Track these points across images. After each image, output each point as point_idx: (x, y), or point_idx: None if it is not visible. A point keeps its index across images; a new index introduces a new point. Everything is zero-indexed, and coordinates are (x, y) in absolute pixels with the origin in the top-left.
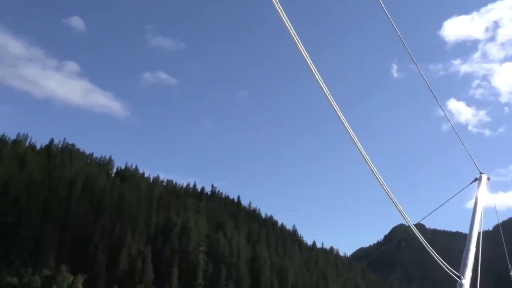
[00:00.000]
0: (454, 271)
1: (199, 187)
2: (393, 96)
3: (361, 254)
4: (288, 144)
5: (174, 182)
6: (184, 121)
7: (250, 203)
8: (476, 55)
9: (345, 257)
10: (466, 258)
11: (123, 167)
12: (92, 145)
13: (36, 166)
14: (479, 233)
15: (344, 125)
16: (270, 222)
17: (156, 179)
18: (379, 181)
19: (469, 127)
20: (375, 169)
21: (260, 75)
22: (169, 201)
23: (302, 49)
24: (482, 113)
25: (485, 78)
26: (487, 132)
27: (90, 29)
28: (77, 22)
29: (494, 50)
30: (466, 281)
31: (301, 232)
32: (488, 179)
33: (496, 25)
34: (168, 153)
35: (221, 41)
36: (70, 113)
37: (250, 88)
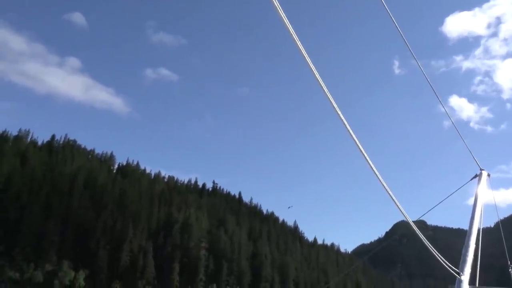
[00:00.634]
0: (453, 268)
1: (200, 183)
2: (395, 93)
3: (362, 251)
4: (289, 141)
5: (175, 178)
6: (186, 118)
7: (251, 199)
8: (478, 51)
9: (346, 253)
10: (466, 255)
11: (124, 163)
12: (93, 141)
13: (38, 162)
14: (479, 230)
15: (343, 121)
16: (271, 218)
17: (158, 175)
18: (377, 177)
19: (471, 124)
20: (373, 166)
21: (261, 72)
22: (171, 197)
23: (300, 47)
24: (484, 109)
25: (487, 74)
26: (489, 128)
27: (91, 25)
28: (78, 18)
29: (496, 46)
30: (465, 277)
31: (302, 228)
32: (489, 175)
33: (498, 21)
34: (169, 149)
35: (222, 38)
36: (71, 109)
37: (251, 85)
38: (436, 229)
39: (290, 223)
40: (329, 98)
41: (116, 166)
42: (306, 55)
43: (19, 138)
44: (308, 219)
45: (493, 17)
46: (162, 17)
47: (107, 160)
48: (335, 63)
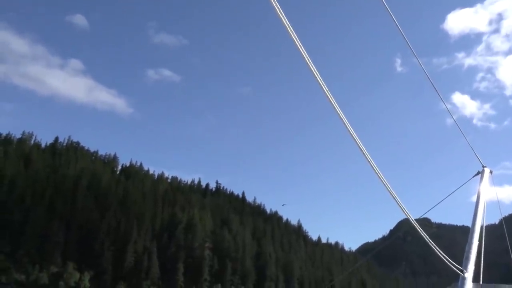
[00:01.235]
0: (457, 265)
1: (203, 184)
2: (397, 90)
3: (367, 249)
4: (291, 139)
5: (178, 179)
6: (188, 118)
7: (254, 199)
8: (480, 48)
9: (350, 252)
10: (469, 252)
11: (128, 164)
12: (96, 142)
13: (42, 164)
14: (482, 227)
15: (343, 120)
16: (275, 218)
17: (161, 176)
18: (379, 176)
19: (474, 121)
20: (374, 164)
21: (263, 71)
22: (174, 198)
23: (299, 45)
24: (486, 106)
25: (489, 71)
26: (492, 125)
27: (93, 26)
28: (80, 20)
29: (498, 43)
30: (469, 274)
31: (306, 227)
32: (491, 172)
33: (500, 17)
34: (172, 149)
35: (223, 37)
36: (74, 111)
37: (253, 84)
38: (440, 226)
39: (294, 222)
40: (328, 97)
41: (119, 167)
42: (305, 54)
43: (22, 140)
44: (312, 218)
45: (494, 13)
46: (163, 18)
47: (111, 161)
48: (337, 61)
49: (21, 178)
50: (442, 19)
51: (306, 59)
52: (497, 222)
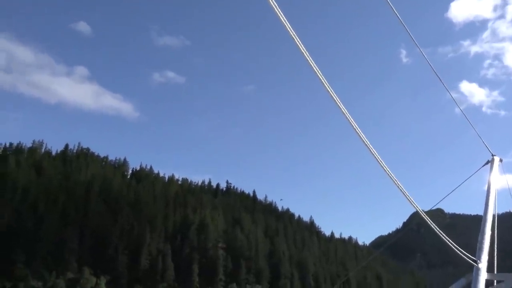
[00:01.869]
0: (470, 256)
1: (214, 184)
2: (404, 82)
3: (380, 242)
4: (301, 136)
5: (189, 180)
6: (194, 118)
7: (265, 197)
8: (486, 35)
9: (364, 246)
10: (482, 242)
11: (138, 168)
12: (106, 147)
13: (53, 172)
14: (494, 216)
15: (346, 116)
16: (286, 215)
17: (171, 178)
18: (385, 170)
19: (483, 109)
20: (381, 159)
21: (267, 69)
22: (185, 199)
23: (299, 42)
24: (495, 93)
25: (496, 57)
26: (502, 112)
27: (96, 33)
28: (83, 27)
29: (504, 28)
30: (483, 265)
31: (318, 223)
32: (501, 160)
33: (504, 2)
34: (181, 151)
35: (226, 37)
36: (82, 117)
37: (257, 82)
38: (454, 216)
39: (306, 218)
40: (330, 92)
41: (130, 171)
42: (304, 51)
43: (33, 149)
44: (324, 214)
45: None
46: (165, 20)
47: (121, 166)
48: (341, 56)
49: (34, 186)
50: (446, 7)
51: (306, 56)
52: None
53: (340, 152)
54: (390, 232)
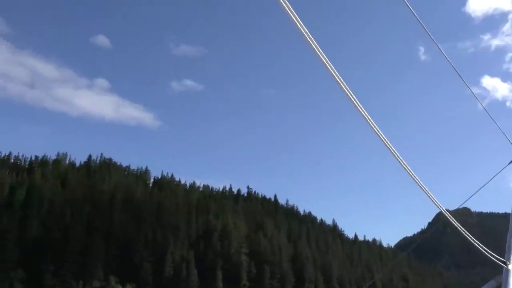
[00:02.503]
0: (498, 257)
1: (235, 189)
2: (423, 79)
3: (406, 244)
4: (320, 138)
5: (210, 187)
6: (214, 125)
7: (287, 201)
8: (507, 27)
9: (389, 248)
10: (510, 242)
11: (159, 176)
12: (127, 157)
13: (78, 182)
14: None
15: (362, 114)
16: (309, 218)
17: (193, 185)
18: (407, 171)
19: (507, 103)
20: (401, 157)
21: (283, 71)
22: (207, 206)
23: (312, 41)
24: None
25: None
26: None
27: (115, 46)
28: (103, 40)
29: None
30: None
31: (341, 226)
32: None
33: None
34: (201, 158)
35: (241, 42)
36: (104, 128)
37: (275, 85)
38: (481, 215)
39: (328, 221)
40: (345, 91)
41: (152, 179)
42: (319, 50)
43: (58, 161)
44: (347, 216)
45: None
46: (181, 30)
47: (143, 174)
48: (359, 55)
49: (59, 197)
50: (463, 2)
51: (321, 55)
52: None
53: (360, 152)
54: (415, 232)
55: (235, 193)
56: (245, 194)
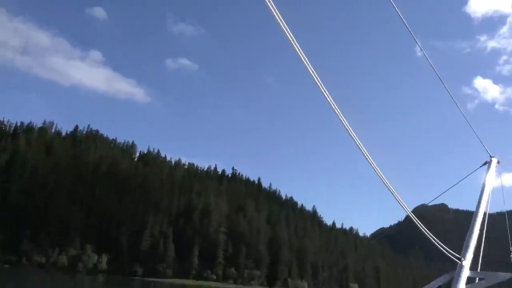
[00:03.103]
0: (454, 253)
1: (220, 170)
2: (419, 77)
3: (381, 234)
4: (309, 127)
5: (195, 165)
6: (204, 105)
7: (270, 184)
8: (504, 30)
9: (365, 237)
10: (468, 241)
11: (145, 151)
12: (115, 131)
13: (62, 152)
14: (485, 215)
15: (339, 118)
16: (290, 203)
17: (178, 163)
18: (375, 171)
19: (496, 106)
20: (371, 160)
21: (279, 59)
22: (191, 184)
23: (299, 50)
24: (509, 90)
25: None
26: None
27: (112, 18)
28: (99, 12)
29: None
30: (467, 262)
31: (321, 213)
32: (498, 162)
33: None
34: (189, 136)
35: (241, 25)
36: (94, 101)
37: (270, 72)
38: (458, 212)
39: (309, 208)
40: (327, 98)
41: (137, 154)
42: (305, 59)
43: (44, 129)
44: (328, 204)
45: None
46: (181, 8)
47: (129, 148)
48: (358, 55)
49: (43, 165)
50: (464, 2)
51: (306, 65)
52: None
53: (345, 145)
54: (392, 224)
55: (220, 173)
56: (230, 175)
